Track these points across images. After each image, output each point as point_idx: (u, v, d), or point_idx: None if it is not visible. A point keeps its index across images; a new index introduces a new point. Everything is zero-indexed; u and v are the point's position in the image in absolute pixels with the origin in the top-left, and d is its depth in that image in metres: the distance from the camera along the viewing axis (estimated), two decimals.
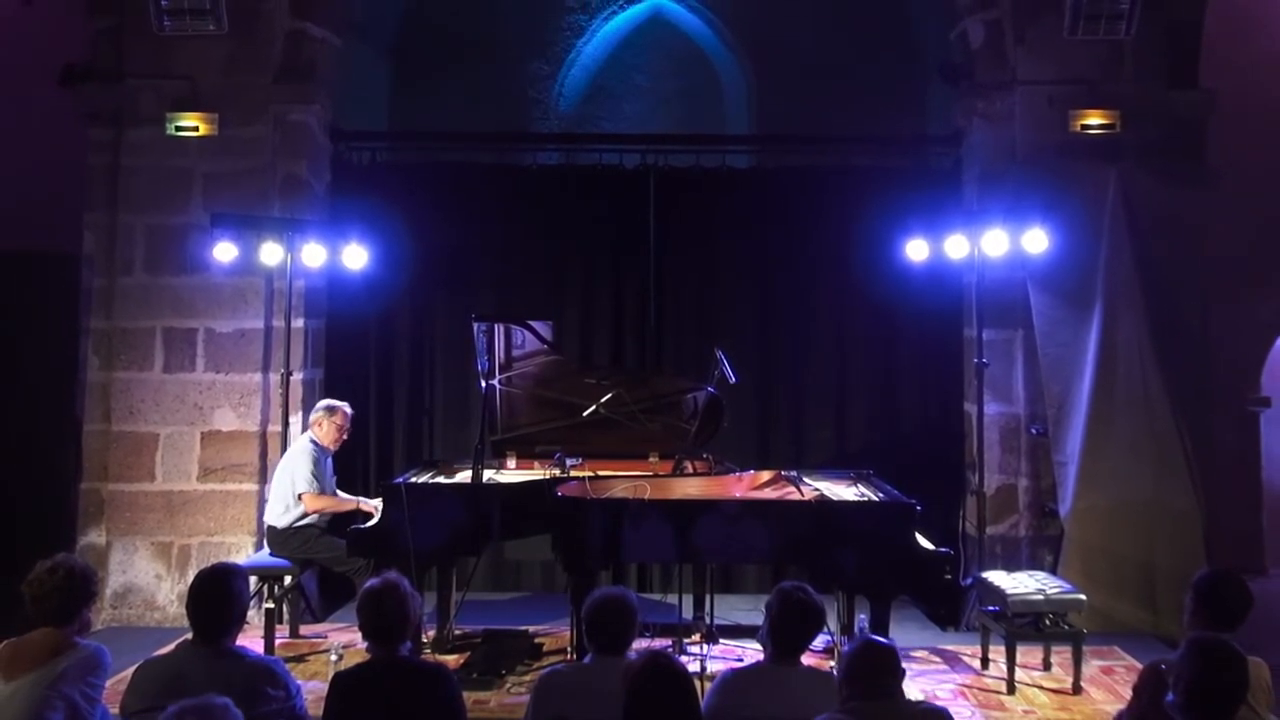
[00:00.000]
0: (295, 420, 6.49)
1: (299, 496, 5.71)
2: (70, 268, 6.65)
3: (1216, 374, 6.82)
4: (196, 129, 6.56)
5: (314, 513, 5.73)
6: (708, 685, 3.67)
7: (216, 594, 3.33)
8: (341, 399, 6.12)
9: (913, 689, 4.80)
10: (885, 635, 4.72)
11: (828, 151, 7.38)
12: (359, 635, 3.47)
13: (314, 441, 5.84)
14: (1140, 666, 4.24)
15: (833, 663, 5.17)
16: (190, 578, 3.51)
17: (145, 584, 6.46)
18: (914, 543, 4.94)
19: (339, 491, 5.97)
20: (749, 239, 7.36)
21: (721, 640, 5.73)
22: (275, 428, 6.48)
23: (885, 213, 6.80)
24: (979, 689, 5.22)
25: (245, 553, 6.30)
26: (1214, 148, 6.66)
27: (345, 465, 6.53)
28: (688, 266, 7.38)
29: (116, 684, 4.04)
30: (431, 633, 5.76)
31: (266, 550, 5.86)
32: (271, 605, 5.58)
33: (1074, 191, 6.46)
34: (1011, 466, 6.66)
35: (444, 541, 5.33)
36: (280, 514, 5.75)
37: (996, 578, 5.47)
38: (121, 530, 6.48)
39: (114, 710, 3.46)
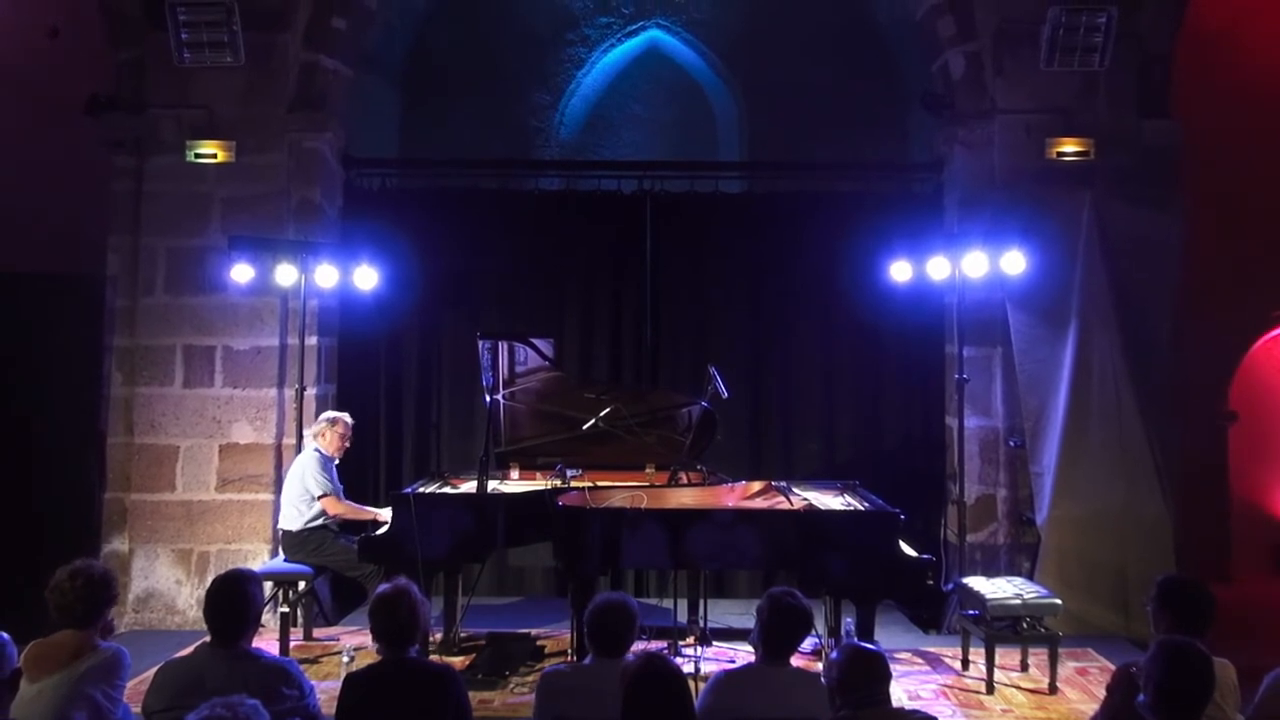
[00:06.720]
0: (309, 434, 6.60)
1: (319, 498, 5.85)
2: (95, 288, 6.78)
3: (1186, 389, 6.92)
4: (215, 156, 6.72)
5: (334, 517, 5.89)
6: (701, 686, 3.74)
7: (232, 598, 3.40)
8: (353, 413, 6.29)
9: (896, 689, 4.86)
10: (870, 638, 4.90)
11: (815, 177, 7.53)
12: (370, 638, 3.52)
13: (319, 451, 6.00)
14: (1113, 667, 4.30)
15: (820, 664, 5.27)
16: (209, 583, 3.58)
17: (166, 589, 6.60)
18: (898, 550, 5.08)
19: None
20: (740, 260, 7.49)
21: (715, 643, 5.86)
22: (290, 441, 6.61)
23: (870, 236, 6.93)
24: (959, 689, 5.32)
25: (261, 559, 6.44)
26: (1184, 173, 6.77)
27: (356, 476, 6.65)
28: (682, 286, 7.49)
29: (138, 685, 4.22)
30: (439, 635, 5.83)
31: (282, 557, 6.00)
32: (286, 609, 5.68)
33: (1050, 216, 6.59)
34: (990, 477, 6.77)
35: (450, 548, 5.48)
36: (294, 518, 5.91)
37: (976, 583, 5.59)
38: (143, 538, 6.62)
39: (136, 710, 3.52)
